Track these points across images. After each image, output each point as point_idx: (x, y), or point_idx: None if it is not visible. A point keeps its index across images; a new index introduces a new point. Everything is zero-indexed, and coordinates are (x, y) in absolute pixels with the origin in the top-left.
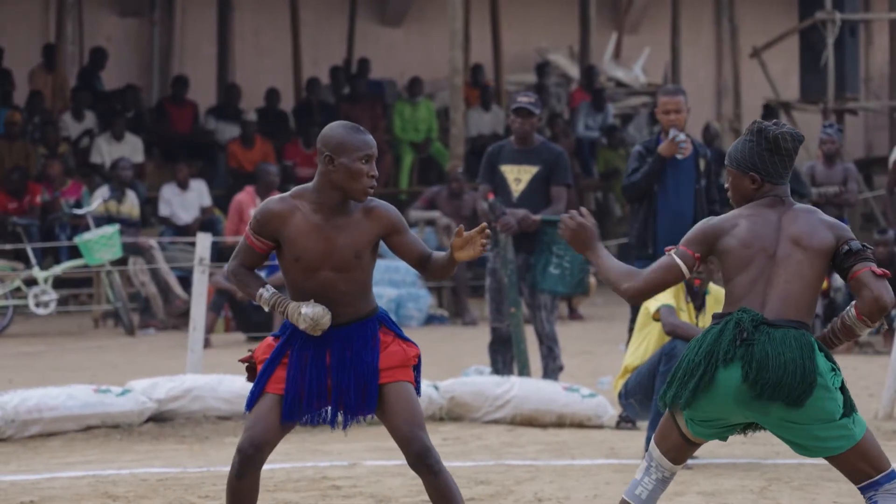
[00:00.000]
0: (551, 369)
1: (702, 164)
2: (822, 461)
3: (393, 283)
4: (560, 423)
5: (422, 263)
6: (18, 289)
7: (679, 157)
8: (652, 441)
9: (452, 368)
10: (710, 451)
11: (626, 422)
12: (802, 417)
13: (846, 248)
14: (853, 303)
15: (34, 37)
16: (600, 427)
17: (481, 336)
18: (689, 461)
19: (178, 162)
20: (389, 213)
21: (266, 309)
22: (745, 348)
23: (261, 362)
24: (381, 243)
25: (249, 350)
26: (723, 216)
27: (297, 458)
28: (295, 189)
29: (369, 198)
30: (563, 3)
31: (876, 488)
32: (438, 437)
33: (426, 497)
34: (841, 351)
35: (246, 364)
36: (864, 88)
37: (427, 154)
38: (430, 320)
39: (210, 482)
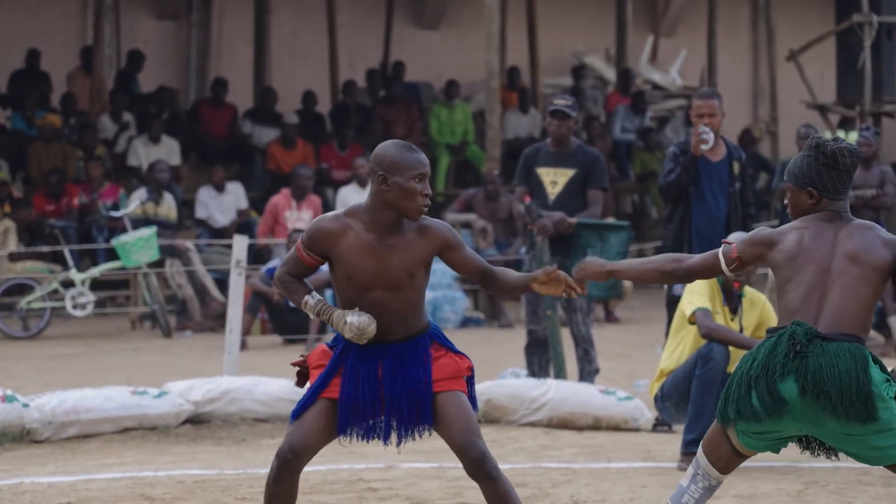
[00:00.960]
0: (587, 372)
1: (736, 167)
2: (859, 465)
3: (429, 286)
4: (596, 425)
5: (484, 278)
6: (56, 291)
7: (704, 147)
8: (700, 449)
9: (489, 371)
10: None
11: (662, 425)
12: (858, 429)
13: None
14: None
15: (72, 40)
16: (636, 430)
17: (517, 339)
18: None
19: (213, 164)
20: (443, 231)
21: (311, 316)
22: (799, 361)
23: (314, 368)
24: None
25: (302, 355)
26: (777, 228)
27: (332, 461)
28: (349, 207)
29: (423, 216)
30: (600, 5)
31: None
32: None
33: (462, 500)
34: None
35: (298, 368)
36: None
37: (463, 157)
38: (466, 323)
39: (247, 484)
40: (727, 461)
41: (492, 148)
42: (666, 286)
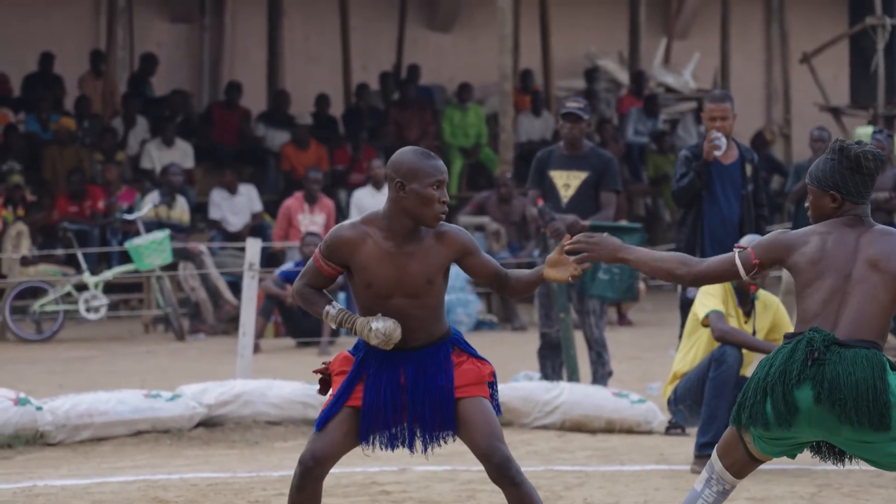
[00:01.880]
0: (600, 375)
1: (748, 169)
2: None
3: None
4: (609, 428)
5: (499, 283)
6: (69, 294)
7: (716, 153)
8: (714, 454)
9: (502, 374)
10: None
11: (675, 428)
12: (873, 436)
13: None
14: None
15: (84, 43)
16: (650, 433)
17: (530, 341)
18: None
19: (226, 167)
20: (461, 237)
21: (333, 326)
22: (816, 368)
23: (336, 374)
24: None
25: (325, 362)
26: (798, 231)
27: (346, 463)
28: (366, 215)
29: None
30: (613, 8)
31: None
32: None
33: (475, 502)
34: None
35: (320, 376)
36: None
37: (476, 159)
38: (480, 326)
39: (260, 487)
40: (742, 466)
41: (505, 151)
42: (679, 288)
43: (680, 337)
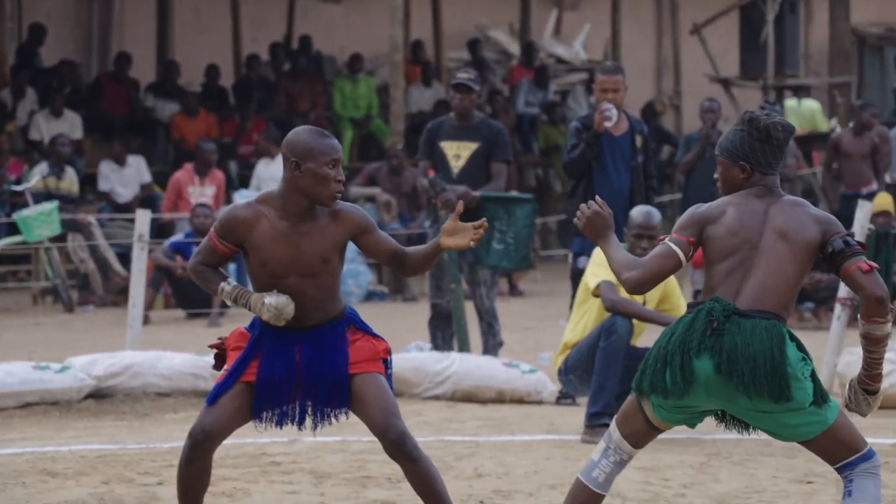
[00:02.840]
0: (491, 345)
1: (638, 140)
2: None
3: None
4: (500, 398)
5: (397, 261)
6: None
7: (607, 124)
8: (612, 423)
9: (392, 345)
10: None
11: (565, 398)
12: (771, 406)
13: (833, 245)
14: (858, 315)
15: None
16: (540, 403)
17: (421, 312)
18: None
19: (115, 139)
20: (356, 215)
21: (228, 303)
22: (715, 338)
23: (231, 349)
24: None
25: (220, 338)
26: (711, 203)
27: (236, 435)
28: (260, 194)
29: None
30: None
31: (852, 468)
32: None
33: (366, 473)
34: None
35: (215, 351)
36: (803, 65)
37: (367, 130)
38: (370, 297)
39: (149, 459)
40: (641, 436)
41: (395, 122)
42: (570, 258)
43: (571, 307)
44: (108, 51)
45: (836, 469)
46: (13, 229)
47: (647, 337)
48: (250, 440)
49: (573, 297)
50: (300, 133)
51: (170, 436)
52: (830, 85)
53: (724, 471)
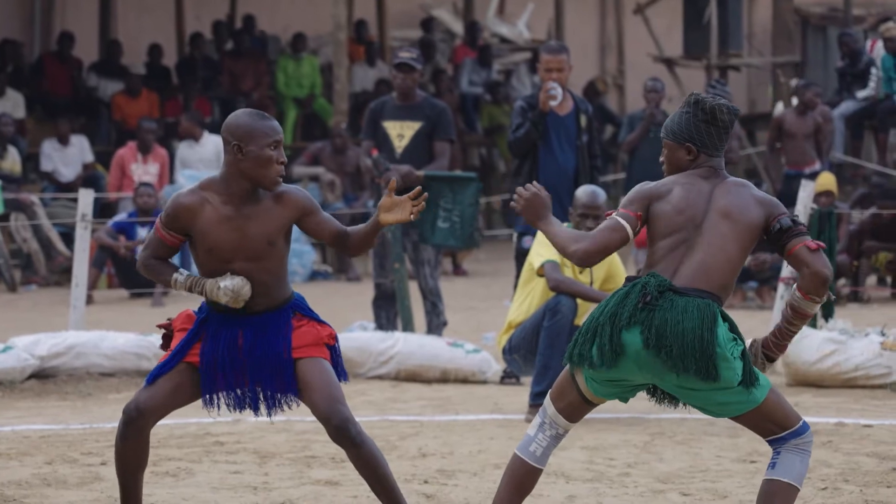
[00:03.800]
0: (435, 325)
1: (583, 120)
2: (705, 417)
3: None
4: (444, 378)
5: (340, 241)
6: None
7: (552, 104)
8: (547, 397)
9: (336, 324)
10: None
11: (509, 377)
12: (699, 384)
13: (778, 224)
14: (794, 286)
15: None
16: (484, 382)
17: (365, 292)
18: None
19: (58, 118)
20: (299, 197)
21: (184, 293)
22: (646, 313)
23: (178, 331)
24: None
25: (169, 318)
26: (658, 182)
27: (180, 415)
28: (203, 180)
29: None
30: None
31: (782, 443)
32: None
33: (310, 452)
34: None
35: (163, 332)
36: (747, 45)
37: (311, 110)
38: (314, 276)
39: (93, 438)
40: (574, 409)
41: (339, 101)
42: (515, 238)
43: (515, 287)
44: (50, 30)
45: (767, 442)
46: None
47: None
48: (194, 420)
49: (517, 276)
50: (240, 116)
51: (113, 416)
52: (774, 64)
53: (667, 450)
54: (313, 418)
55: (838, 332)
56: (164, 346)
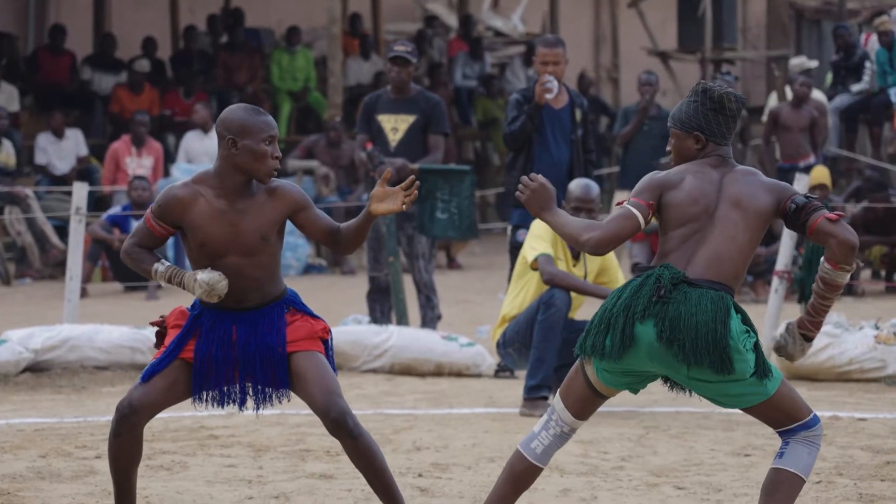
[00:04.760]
0: (429, 318)
1: (578, 114)
2: (699, 410)
3: None
4: (438, 372)
5: (333, 237)
6: None
7: (548, 97)
8: (556, 395)
9: (331, 318)
10: None
11: (504, 371)
12: (712, 376)
13: (792, 205)
14: (823, 258)
15: None
16: (478, 376)
17: (359, 285)
18: None
19: (52, 111)
20: (293, 192)
21: (163, 284)
22: (660, 306)
23: (171, 328)
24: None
25: (162, 315)
26: (669, 171)
27: (174, 408)
28: (196, 174)
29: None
30: None
31: (792, 435)
32: None
33: (304, 446)
34: None
35: (157, 329)
36: (741, 38)
37: (305, 103)
38: (309, 269)
39: (87, 432)
40: (583, 404)
41: (333, 94)
42: (509, 231)
43: (509, 280)
44: (45, 23)
45: (777, 433)
46: None
47: (585, 310)
48: (189, 413)
49: (511, 269)
50: (235, 111)
51: (107, 409)
52: (768, 58)
53: (662, 443)
54: (308, 411)
55: (833, 325)
56: (158, 343)
